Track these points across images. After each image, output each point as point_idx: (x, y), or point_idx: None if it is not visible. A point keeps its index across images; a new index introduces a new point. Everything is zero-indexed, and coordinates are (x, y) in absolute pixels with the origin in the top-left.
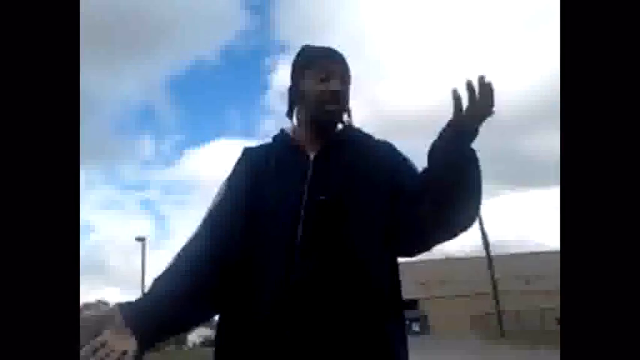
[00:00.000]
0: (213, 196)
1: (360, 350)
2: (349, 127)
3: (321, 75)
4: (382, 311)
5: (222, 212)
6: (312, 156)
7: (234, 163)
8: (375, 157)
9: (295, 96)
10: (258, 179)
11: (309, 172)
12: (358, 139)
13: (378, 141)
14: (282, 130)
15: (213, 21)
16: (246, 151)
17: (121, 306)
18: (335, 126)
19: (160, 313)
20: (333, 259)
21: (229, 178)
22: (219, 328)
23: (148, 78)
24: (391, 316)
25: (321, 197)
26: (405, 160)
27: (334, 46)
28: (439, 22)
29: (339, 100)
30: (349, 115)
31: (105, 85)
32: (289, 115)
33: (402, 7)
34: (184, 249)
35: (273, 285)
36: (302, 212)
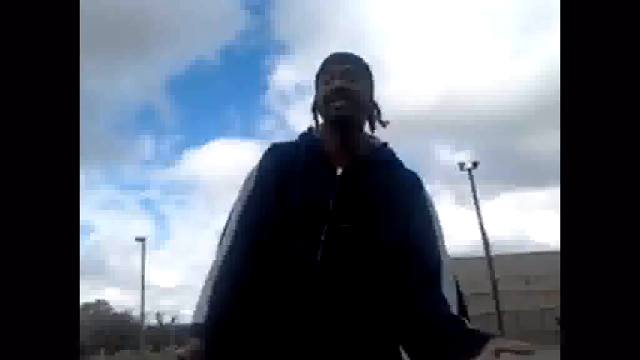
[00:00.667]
0: (240, 189)
1: None
2: (383, 147)
3: (327, 77)
4: (396, 342)
5: (255, 209)
6: (339, 171)
7: (260, 158)
8: (402, 188)
9: (316, 106)
10: (283, 180)
11: (335, 191)
12: (388, 164)
13: (409, 170)
14: (309, 130)
15: (212, 21)
16: (274, 148)
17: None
18: (351, 124)
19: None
20: (350, 286)
21: (257, 175)
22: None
23: (148, 78)
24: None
25: (345, 225)
26: (425, 216)
27: (334, 46)
28: (439, 22)
29: (344, 95)
30: (378, 112)
31: (105, 85)
32: (316, 126)
33: (401, 7)
34: (230, 253)
35: (286, 305)
36: (323, 236)
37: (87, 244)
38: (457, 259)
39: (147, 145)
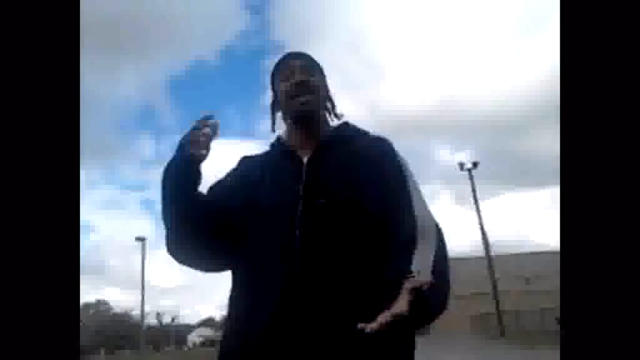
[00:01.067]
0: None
1: (364, 355)
2: (344, 125)
3: (286, 73)
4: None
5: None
6: (305, 159)
7: (231, 169)
8: (370, 158)
9: (276, 104)
10: (249, 188)
11: (303, 177)
12: (352, 138)
13: (376, 139)
14: (278, 138)
15: (212, 21)
16: (243, 160)
17: None
18: (314, 117)
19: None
20: (333, 263)
21: (221, 179)
22: (225, 334)
23: (148, 78)
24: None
25: (321, 201)
26: (398, 180)
27: (333, 46)
28: (438, 23)
29: (306, 89)
30: (332, 106)
31: (105, 85)
32: (272, 127)
33: (401, 8)
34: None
35: (274, 292)
36: (299, 217)
37: (87, 244)
38: (457, 259)
39: (147, 145)
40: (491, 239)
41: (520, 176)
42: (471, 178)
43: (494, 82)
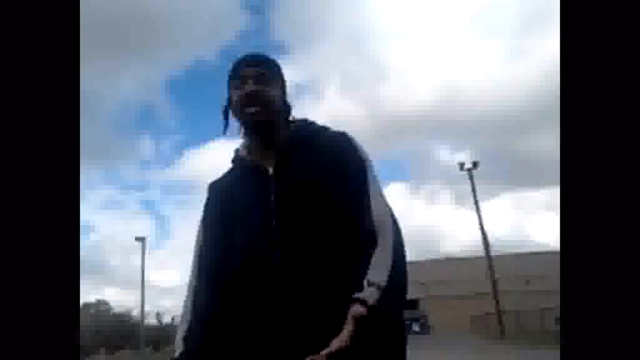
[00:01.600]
0: (194, 240)
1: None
2: (302, 125)
3: (238, 82)
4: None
5: (209, 256)
6: (270, 171)
7: (204, 203)
8: (332, 155)
9: (228, 109)
10: (225, 209)
11: (272, 191)
12: (312, 137)
13: (333, 134)
14: (236, 151)
15: (212, 21)
16: (211, 187)
17: None
18: (267, 127)
19: None
20: (313, 265)
21: (202, 219)
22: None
23: (147, 78)
24: None
25: (294, 210)
26: (358, 174)
27: (332, 46)
28: (438, 22)
29: (256, 100)
30: (288, 115)
31: (105, 85)
32: (224, 130)
33: (401, 8)
34: (193, 304)
35: (254, 298)
36: (275, 232)
37: (87, 244)
38: (457, 259)
39: (147, 145)
40: (491, 239)
41: (520, 176)
42: (471, 178)
43: (495, 81)
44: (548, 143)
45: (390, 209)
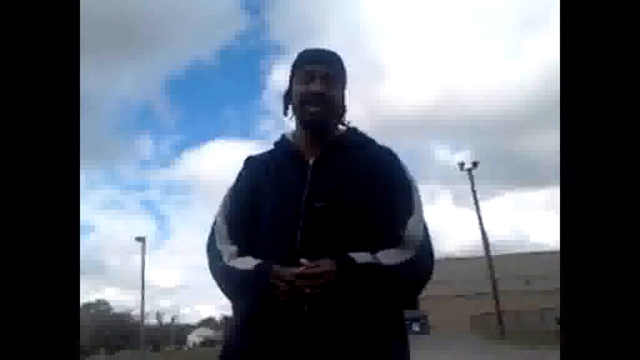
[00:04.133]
0: (220, 201)
1: (361, 356)
2: (352, 131)
3: (305, 76)
4: (384, 318)
5: (237, 217)
6: (311, 161)
7: (238, 172)
8: (379, 168)
9: (289, 97)
10: (258, 186)
11: (308, 179)
12: (359, 145)
13: (381, 148)
14: (282, 136)
15: (211, 22)
16: (249, 160)
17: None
18: (323, 127)
19: None
20: (334, 251)
21: (234, 185)
22: (226, 331)
23: (147, 78)
24: (393, 320)
25: (320, 204)
26: (398, 187)
27: (332, 47)
28: (438, 22)
29: (321, 101)
30: (342, 116)
31: (104, 85)
32: (285, 113)
33: (400, 8)
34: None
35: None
36: (301, 218)
37: (87, 244)
38: (457, 259)
39: (146, 145)
40: (491, 239)
41: (520, 176)
42: (471, 178)
43: (494, 81)
44: (549, 143)
45: (430, 241)
